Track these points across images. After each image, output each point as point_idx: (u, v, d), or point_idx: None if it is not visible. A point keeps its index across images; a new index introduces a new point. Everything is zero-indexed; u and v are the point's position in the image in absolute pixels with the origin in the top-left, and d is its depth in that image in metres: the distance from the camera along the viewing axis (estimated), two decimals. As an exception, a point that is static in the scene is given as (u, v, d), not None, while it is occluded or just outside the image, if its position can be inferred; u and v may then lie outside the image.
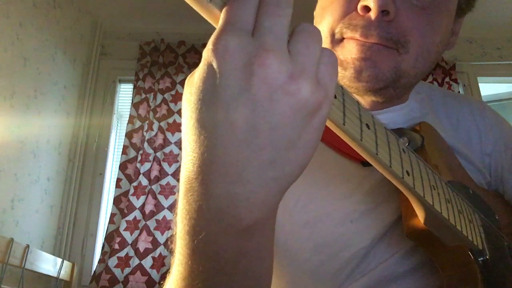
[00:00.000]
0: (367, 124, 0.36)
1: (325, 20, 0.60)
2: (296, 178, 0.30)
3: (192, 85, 0.28)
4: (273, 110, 0.26)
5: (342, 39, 0.58)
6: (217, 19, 0.29)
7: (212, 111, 0.27)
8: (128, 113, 2.51)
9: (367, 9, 0.55)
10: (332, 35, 0.59)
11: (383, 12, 0.54)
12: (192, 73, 0.30)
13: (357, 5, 0.56)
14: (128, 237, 2.19)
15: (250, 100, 0.26)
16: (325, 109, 0.29)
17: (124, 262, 2.13)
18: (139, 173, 2.31)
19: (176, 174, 2.33)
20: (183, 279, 0.35)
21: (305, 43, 0.28)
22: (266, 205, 0.30)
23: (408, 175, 0.42)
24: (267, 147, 0.27)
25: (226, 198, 0.29)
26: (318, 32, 0.29)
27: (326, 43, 0.60)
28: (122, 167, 2.36)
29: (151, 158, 2.35)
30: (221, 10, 0.28)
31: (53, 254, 2.01)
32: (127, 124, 2.46)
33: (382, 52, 0.55)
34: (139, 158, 2.36)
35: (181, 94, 2.52)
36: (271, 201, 0.30)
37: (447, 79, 2.63)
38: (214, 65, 0.26)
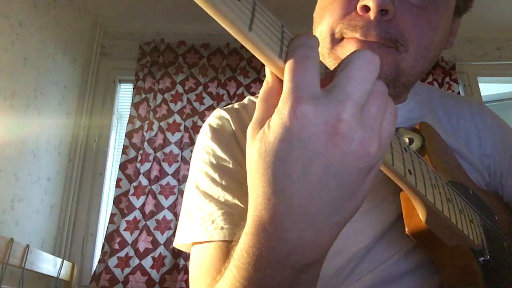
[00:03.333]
0: None
1: (324, 21, 0.60)
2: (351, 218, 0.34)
3: (267, 143, 0.31)
4: (342, 170, 0.30)
5: (342, 39, 0.58)
6: (278, 69, 0.31)
7: (289, 169, 0.30)
8: (128, 113, 2.51)
9: (366, 8, 0.55)
10: (332, 35, 0.59)
11: (382, 11, 0.55)
12: (258, 123, 0.32)
13: (356, 6, 0.56)
14: (128, 237, 2.18)
15: (324, 162, 0.30)
16: (381, 162, 0.33)
17: (124, 262, 2.13)
18: (139, 173, 2.31)
19: (176, 174, 2.33)
20: None
21: (377, 107, 0.31)
22: (327, 245, 0.35)
23: (410, 173, 0.42)
24: (335, 199, 0.31)
25: (297, 241, 0.33)
26: (386, 90, 0.32)
27: (326, 43, 0.60)
28: (122, 167, 2.36)
29: (151, 158, 2.35)
30: (284, 62, 0.31)
31: (53, 254, 2.01)
32: (127, 124, 2.45)
33: (382, 51, 0.56)
34: (139, 158, 2.36)
35: (181, 94, 2.52)
36: (331, 242, 0.35)
37: (447, 79, 2.63)
38: (292, 130, 0.29)
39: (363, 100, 0.30)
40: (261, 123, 0.32)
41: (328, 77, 0.32)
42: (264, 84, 0.34)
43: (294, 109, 0.29)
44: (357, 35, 0.56)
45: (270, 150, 0.30)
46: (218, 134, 0.67)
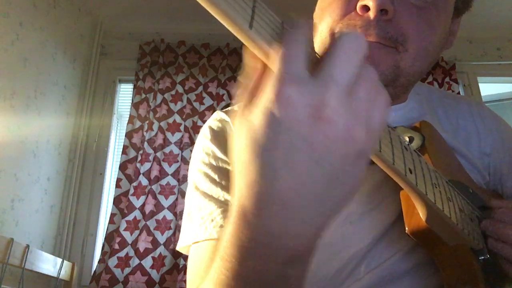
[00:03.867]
0: None
1: (324, 21, 0.61)
2: (340, 212, 0.33)
3: (251, 129, 0.29)
4: (328, 157, 0.29)
5: None
6: (266, 54, 0.30)
7: (272, 156, 0.29)
8: (128, 113, 2.51)
9: (366, 8, 0.55)
10: (332, 35, 0.59)
11: (381, 11, 0.55)
12: (243, 110, 0.31)
13: (355, 6, 0.57)
14: (128, 237, 2.18)
15: (309, 148, 0.28)
16: (370, 151, 0.32)
17: (124, 262, 2.13)
18: (139, 173, 2.31)
19: (176, 174, 2.33)
20: None
21: (365, 90, 0.30)
22: (313, 237, 0.33)
23: (411, 172, 0.42)
24: (320, 187, 0.30)
25: (280, 232, 0.31)
26: (376, 76, 0.31)
27: (325, 43, 0.60)
28: (122, 167, 2.36)
29: (151, 158, 2.35)
30: (269, 44, 0.30)
31: (53, 254, 2.00)
32: (127, 124, 2.45)
33: (381, 51, 0.56)
34: (139, 158, 2.36)
35: (181, 94, 2.52)
36: (318, 234, 0.33)
37: (447, 79, 2.63)
38: (276, 115, 0.28)
39: (350, 83, 0.29)
40: (247, 110, 0.31)
41: (317, 62, 0.31)
42: (246, 70, 0.33)
43: (278, 93, 0.28)
44: None
45: (253, 136, 0.29)
46: (218, 136, 0.67)
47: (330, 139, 0.28)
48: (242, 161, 0.31)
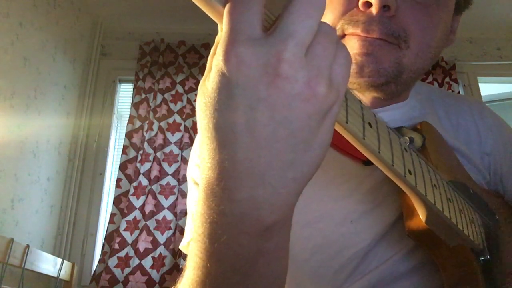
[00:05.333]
0: (369, 123, 0.36)
1: (326, 18, 0.60)
2: (312, 177, 0.31)
3: (206, 95, 0.28)
4: (290, 116, 0.27)
5: (343, 36, 0.58)
6: (219, 15, 0.28)
7: (230, 120, 0.27)
8: (128, 113, 2.51)
9: (368, 4, 0.56)
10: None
11: (384, 7, 0.55)
12: (202, 80, 0.29)
13: (357, 2, 0.57)
14: (128, 237, 2.19)
15: (268, 108, 0.27)
16: (336, 108, 0.30)
17: (124, 262, 2.13)
18: (139, 173, 2.31)
19: (176, 174, 2.33)
20: (200, 282, 0.35)
21: (323, 46, 0.28)
22: (286, 205, 0.31)
23: (410, 174, 0.42)
24: (286, 150, 0.28)
25: (248, 201, 0.29)
26: (335, 32, 0.29)
27: None
28: (122, 167, 2.36)
29: (151, 158, 2.35)
30: (223, 6, 0.28)
31: (53, 254, 2.00)
32: (127, 124, 2.45)
33: (383, 48, 0.56)
34: (139, 158, 2.36)
35: (181, 94, 2.52)
36: (290, 201, 0.31)
37: (447, 79, 2.63)
38: (229, 75, 0.26)
39: (307, 38, 0.27)
40: (206, 77, 0.29)
41: (273, 22, 0.29)
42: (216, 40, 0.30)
43: (228, 52, 0.26)
44: (359, 31, 0.56)
45: (209, 102, 0.28)
46: None
47: (291, 97, 0.27)
48: (200, 128, 0.29)
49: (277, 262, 0.35)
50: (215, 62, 0.27)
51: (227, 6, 0.27)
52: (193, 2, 0.28)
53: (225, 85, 0.27)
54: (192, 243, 0.34)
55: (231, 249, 0.32)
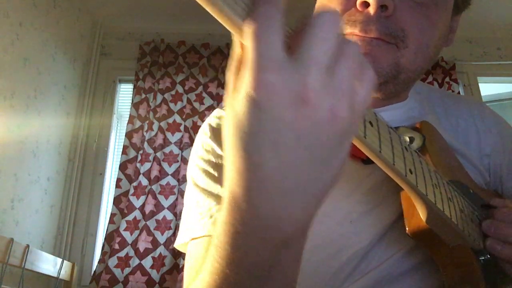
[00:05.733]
0: (370, 122, 0.36)
1: None
2: (330, 190, 0.33)
3: (235, 116, 0.29)
4: (314, 139, 0.29)
5: None
6: (238, 28, 0.28)
7: (258, 143, 0.29)
8: (128, 113, 2.51)
9: (366, 4, 0.56)
10: None
11: (381, 7, 0.55)
12: (229, 97, 0.31)
13: (355, 2, 0.57)
14: (128, 237, 2.18)
15: (294, 132, 0.28)
16: (356, 128, 0.32)
17: (124, 262, 2.13)
18: (139, 173, 2.31)
19: (176, 174, 2.33)
20: (216, 286, 0.37)
21: (348, 69, 0.29)
22: (305, 218, 0.33)
23: (411, 173, 0.42)
24: (309, 170, 0.30)
25: (272, 215, 0.31)
26: (360, 51, 0.31)
27: None
28: (122, 167, 2.36)
29: (151, 158, 2.35)
30: (243, 20, 0.28)
31: (53, 254, 2.00)
32: (127, 124, 2.45)
33: (381, 48, 0.56)
34: (139, 158, 2.36)
35: (181, 94, 2.52)
36: (309, 214, 0.33)
37: (447, 79, 2.63)
38: (258, 101, 0.27)
39: (330, 62, 0.28)
40: (232, 96, 0.30)
41: (292, 38, 0.30)
42: (234, 56, 0.31)
43: (259, 79, 0.27)
44: (357, 31, 0.56)
45: (239, 124, 0.29)
46: (217, 133, 0.67)
47: (315, 123, 0.28)
48: (229, 148, 0.31)
49: (291, 270, 0.37)
50: (244, 87, 0.28)
51: (252, 28, 0.28)
52: (193, 2, 0.28)
53: (255, 111, 0.28)
54: (212, 249, 0.36)
55: (251, 257, 0.34)
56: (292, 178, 0.30)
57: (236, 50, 0.31)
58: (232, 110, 0.30)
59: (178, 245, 0.62)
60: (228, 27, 0.29)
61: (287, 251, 0.34)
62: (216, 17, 0.28)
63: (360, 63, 0.30)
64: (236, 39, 0.31)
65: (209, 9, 0.28)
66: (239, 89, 0.29)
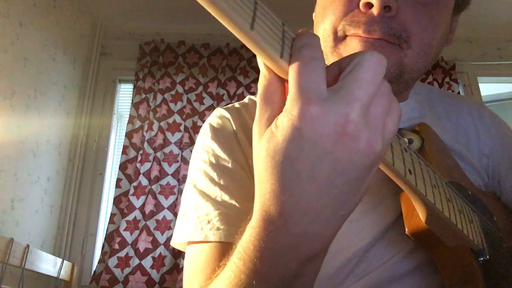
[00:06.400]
0: None
1: (327, 19, 0.60)
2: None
3: (276, 143, 0.31)
4: (350, 168, 0.31)
5: (345, 37, 0.59)
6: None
7: (297, 169, 0.31)
8: (128, 113, 2.51)
9: (369, 5, 0.56)
10: (335, 33, 0.59)
11: (385, 8, 0.55)
12: (263, 121, 0.33)
13: (358, 3, 0.57)
14: (128, 237, 2.19)
15: (333, 161, 0.31)
16: (384, 156, 0.35)
17: (124, 262, 2.13)
18: (139, 173, 2.31)
19: (176, 174, 2.33)
20: None
21: (382, 107, 0.32)
22: (331, 236, 0.36)
23: (411, 173, 0.42)
24: (341, 194, 0.33)
25: (303, 234, 0.34)
26: (390, 90, 0.33)
27: (328, 41, 0.60)
28: (122, 167, 2.36)
29: (151, 158, 2.35)
30: (287, 62, 0.31)
31: (53, 254, 2.01)
32: (127, 124, 2.45)
33: (385, 48, 0.56)
34: (139, 158, 2.36)
35: (181, 94, 2.52)
36: (334, 233, 0.36)
37: (447, 79, 2.63)
38: (302, 131, 0.30)
39: (370, 101, 0.31)
40: (268, 122, 0.32)
41: (330, 75, 0.33)
42: (262, 79, 0.34)
43: (304, 111, 0.29)
44: (360, 32, 0.56)
45: (279, 150, 0.31)
46: (218, 133, 0.67)
47: (354, 153, 0.31)
48: (264, 170, 0.33)
49: (312, 280, 0.39)
50: (289, 116, 0.30)
51: (296, 65, 0.31)
52: (193, 2, 0.28)
53: (298, 139, 0.30)
54: (237, 261, 0.38)
55: (279, 272, 0.36)
56: (326, 201, 0.32)
57: (265, 76, 0.33)
58: (269, 135, 0.32)
59: (174, 243, 0.63)
60: (267, 62, 0.32)
61: (310, 265, 0.37)
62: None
63: (390, 100, 0.33)
64: (265, 67, 0.33)
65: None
66: (276, 115, 0.32)
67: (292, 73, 0.31)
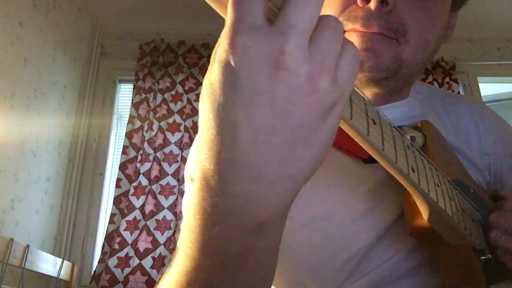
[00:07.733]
0: (373, 120, 0.36)
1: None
2: (311, 176, 0.31)
3: (209, 86, 0.28)
4: (291, 110, 0.27)
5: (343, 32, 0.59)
6: (224, 7, 0.28)
7: (231, 112, 0.27)
8: (128, 113, 2.51)
9: (366, 0, 0.56)
10: None
11: (382, 2, 0.56)
12: (208, 73, 0.29)
13: None
14: (128, 237, 2.18)
15: (269, 101, 0.26)
16: (340, 107, 0.29)
17: (124, 262, 2.13)
18: (139, 173, 2.31)
19: (176, 174, 2.33)
20: (186, 273, 0.35)
21: (328, 40, 0.28)
22: (281, 203, 0.30)
23: (413, 171, 0.42)
24: (285, 146, 0.28)
25: (243, 196, 0.29)
26: (341, 27, 0.29)
27: None
28: (122, 167, 2.35)
29: (151, 158, 2.35)
30: None
31: (53, 254, 2.01)
32: (127, 124, 2.46)
33: (382, 42, 0.56)
34: (139, 158, 2.36)
35: (181, 94, 2.52)
36: (286, 199, 0.30)
37: (447, 79, 2.63)
38: (233, 66, 0.26)
39: (308, 29, 0.27)
40: (209, 69, 0.29)
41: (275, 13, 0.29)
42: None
43: (232, 42, 0.26)
44: (358, 26, 0.56)
45: (212, 93, 0.27)
46: None
47: (292, 90, 0.26)
48: (201, 118, 0.29)
49: (266, 263, 0.35)
50: (219, 53, 0.27)
51: None
52: (193, 2, 0.28)
53: (229, 76, 0.26)
54: (184, 233, 0.34)
55: (221, 243, 0.32)
56: (266, 153, 0.28)
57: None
58: (207, 81, 0.28)
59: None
60: (217, 9, 0.29)
61: (260, 240, 0.32)
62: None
63: (341, 39, 0.29)
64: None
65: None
66: (214, 58, 0.28)
67: (229, 4, 0.27)
